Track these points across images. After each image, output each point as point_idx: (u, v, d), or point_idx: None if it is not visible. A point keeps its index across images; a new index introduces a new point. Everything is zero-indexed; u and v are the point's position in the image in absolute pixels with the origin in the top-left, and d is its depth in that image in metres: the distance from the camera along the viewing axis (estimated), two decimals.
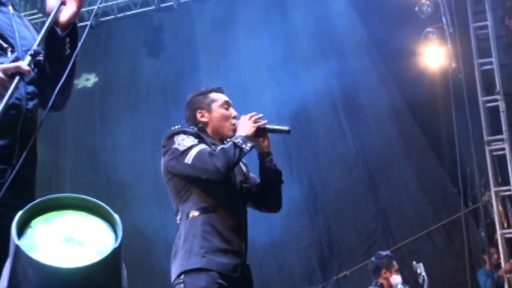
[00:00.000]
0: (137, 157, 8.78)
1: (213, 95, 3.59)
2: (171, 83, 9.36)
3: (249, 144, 3.27)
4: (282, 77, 8.99)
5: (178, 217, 3.36)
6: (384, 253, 6.42)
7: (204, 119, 3.52)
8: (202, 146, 3.31)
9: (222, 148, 3.25)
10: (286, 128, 3.47)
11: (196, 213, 3.29)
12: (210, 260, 3.18)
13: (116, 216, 1.75)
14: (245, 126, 3.37)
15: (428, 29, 8.32)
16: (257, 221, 8.19)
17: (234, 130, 3.47)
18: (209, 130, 3.53)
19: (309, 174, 8.83)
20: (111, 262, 1.67)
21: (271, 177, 3.52)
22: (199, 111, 3.54)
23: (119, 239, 1.69)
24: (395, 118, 8.81)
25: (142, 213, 8.46)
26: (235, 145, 3.24)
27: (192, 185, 3.32)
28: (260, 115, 3.46)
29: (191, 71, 9.06)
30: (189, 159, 3.24)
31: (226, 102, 3.57)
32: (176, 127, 3.42)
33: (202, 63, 9.29)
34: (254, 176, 3.62)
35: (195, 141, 3.33)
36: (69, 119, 9.16)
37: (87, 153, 9.08)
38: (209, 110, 3.53)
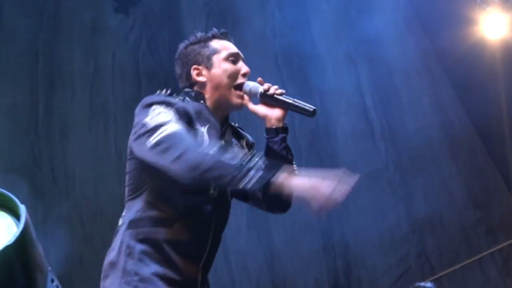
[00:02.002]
0: (94, 143, 7.91)
1: (215, 44, 3.06)
2: (145, 51, 8.37)
3: (258, 179, 2.55)
4: None
5: (121, 217, 2.87)
6: (426, 285, 5.89)
7: (201, 78, 2.99)
8: (180, 129, 2.71)
9: (220, 153, 2.61)
10: (309, 107, 2.89)
11: (142, 222, 2.79)
12: None
13: (21, 208, 1.88)
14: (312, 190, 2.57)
15: None
16: (250, 233, 7.25)
17: (239, 97, 2.96)
18: (207, 95, 2.99)
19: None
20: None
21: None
22: (194, 66, 3.02)
23: (17, 235, 1.81)
24: (437, 105, 8.13)
25: None
26: (241, 165, 2.56)
27: (150, 179, 2.81)
28: (282, 90, 2.92)
29: (171, 34, 8.13)
30: (153, 139, 2.68)
31: (234, 54, 3.02)
32: (162, 91, 2.91)
33: (186, 24, 8.22)
34: None
35: (176, 120, 2.75)
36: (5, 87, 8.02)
37: (24, 130, 8.00)
38: (209, 65, 3.01)
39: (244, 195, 2.99)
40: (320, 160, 8.01)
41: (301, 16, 8.15)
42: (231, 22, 8.14)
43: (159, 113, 2.76)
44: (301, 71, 8.05)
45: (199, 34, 3.08)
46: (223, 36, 3.07)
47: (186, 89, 3.00)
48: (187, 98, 2.92)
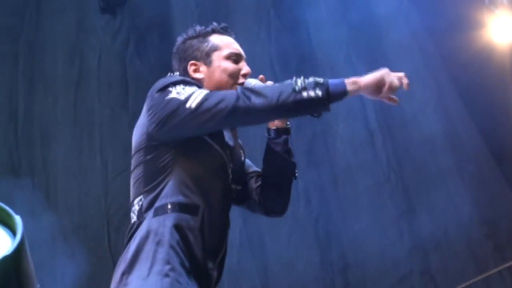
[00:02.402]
0: (78, 152, 7.67)
1: (216, 39, 2.93)
2: (133, 54, 8.13)
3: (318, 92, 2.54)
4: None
5: (136, 211, 2.71)
6: None
7: (198, 75, 2.89)
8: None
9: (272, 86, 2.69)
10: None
11: (169, 208, 2.65)
12: (175, 284, 2.54)
13: (17, 219, 1.88)
14: (377, 78, 2.69)
15: None
16: (243, 250, 7.12)
17: None
18: None
19: (320, 188, 7.98)
20: None
21: (279, 169, 2.92)
22: (192, 62, 2.91)
23: (15, 246, 1.80)
24: (442, 113, 7.92)
25: None
26: (304, 86, 2.54)
27: (174, 165, 2.68)
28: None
29: (161, 36, 7.96)
30: (193, 102, 2.59)
31: (236, 53, 2.90)
32: (172, 74, 2.87)
33: (177, 26, 7.96)
34: (251, 164, 3.05)
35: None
36: None
37: (2, 136, 7.77)
38: (208, 62, 2.89)
39: (243, 195, 2.95)
40: (317, 171, 7.83)
41: (298, 18, 7.95)
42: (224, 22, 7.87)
43: (183, 88, 2.68)
44: (297, 77, 7.71)
45: (198, 28, 2.99)
46: (223, 31, 2.97)
47: None
48: None
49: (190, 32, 2.99)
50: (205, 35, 2.95)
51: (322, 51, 7.91)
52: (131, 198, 2.82)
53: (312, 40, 8.02)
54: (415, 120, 7.83)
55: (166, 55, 3.27)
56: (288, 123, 2.91)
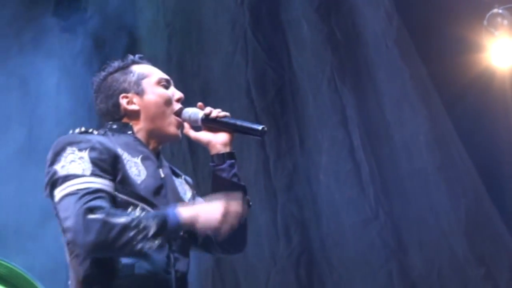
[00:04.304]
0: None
1: (138, 68, 2.90)
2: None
3: (155, 244, 2.50)
4: None
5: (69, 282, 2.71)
6: None
7: (133, 107, 2.83)
8: (88, 184, 2.53)
9: (103, 221, 2.44)
10: (257, 126, 2.85)
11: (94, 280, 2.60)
12: None
13: None
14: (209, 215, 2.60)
15: (495, 11, 6.95)
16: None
17: (179, 125, 2.85)
18: (137, 126, 2.83)
19: (302, 225, 7.52)
20: None
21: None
22: (122, 95, 2.84)
23: None
24: (434, 144, 7.50)
25: None
26: (127, 227, 2.46)
27: None
28: (226, 113, 2.87)
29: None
30: (59, 193, 2.53)
31: (164, 79, 2.92)
32: (77, 130, 2.73)
33: (144, 45, 7.63)
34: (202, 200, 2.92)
35: (87, 168, 2.58)
36: None
37: None
38: (139, 91, 2.84)
39: (193, 239, 2.88)
40: (298, 206, 7.44)
41: (278, 39, 7.65)
42: (196, 44, 7.67)
43: (72, 160, 2.62)
44: (277, 102, 7.54)
45: (115, 63, 2.96)
46: (142, 61, 2.98)
47: (109, 123, 2.85)
48: (108, 132, 2.80)
49: (108, 68, 2.94)
50: (126, 67, 2.93)
51: (303, 75, 7.58)
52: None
53: (293, 63, 7.67)
54: (405, 151, 7.46)
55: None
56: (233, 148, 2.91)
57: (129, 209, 2.54)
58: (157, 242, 2.49)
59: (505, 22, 6.80)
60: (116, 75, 2.90)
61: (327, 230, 7.42)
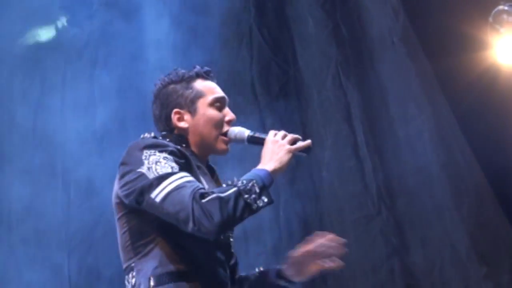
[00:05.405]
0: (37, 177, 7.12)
1: (199, 85, 2.98)
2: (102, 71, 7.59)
3: (265, 199, 2.62)
4: None
5: (131, 280, 2.75)
6: None
7: (182, 124, 2.95)
8: (185, 178, 2.66)
9: (219, 197, 2.58)
10: (306, 143, 2.89)
11: (164, 280, 2.68)
12: None
13: None
14: (276, 151, 2.80)
15: (500, 7, 6.77)
16: None
17: (226, 143, 2.98)
18: (190, 140, 2.95)
19: (304, 222, 7.48)
20: None
21: None
22: (175, 110, 2.94)
23: None
24: (439, 141, 7.47)
25: None
26: (239, 193, 2.58)
27: (161, 232, 2.73)
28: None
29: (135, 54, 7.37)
30: (159, 194, 2.62)
31: (220, 99, 2.99)
32: (147, 134, 2.88)
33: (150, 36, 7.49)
34: None
35: (175, 166, 2.69)
36: None
37: None
38: (192, 111, 2.95)
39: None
40: (301, 202, 7.44)
41: (283, 34, 7.68)
42: (201, 38, 7.62)
43: (157, 161, 2.70)
44: (281, 98, 7.54)
45: (181, 72, 3.02)
46: (207, 76, 3.01)
47: (164, 133, 2.95)
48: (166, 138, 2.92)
49: (173, 75, 3.00)
50: (189, 80, 2.97)
51: (308, 71, 7.60)
52: (123, 264, 2.85)
53: (298, 59, 7.71)
54: (409, 147, 7.43)
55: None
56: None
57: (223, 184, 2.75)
58: (264, 198, 2.63)
59: (511, 19, 6.65)
60: (177, 86, 2.97)
61: (329, 227, 7.34)
